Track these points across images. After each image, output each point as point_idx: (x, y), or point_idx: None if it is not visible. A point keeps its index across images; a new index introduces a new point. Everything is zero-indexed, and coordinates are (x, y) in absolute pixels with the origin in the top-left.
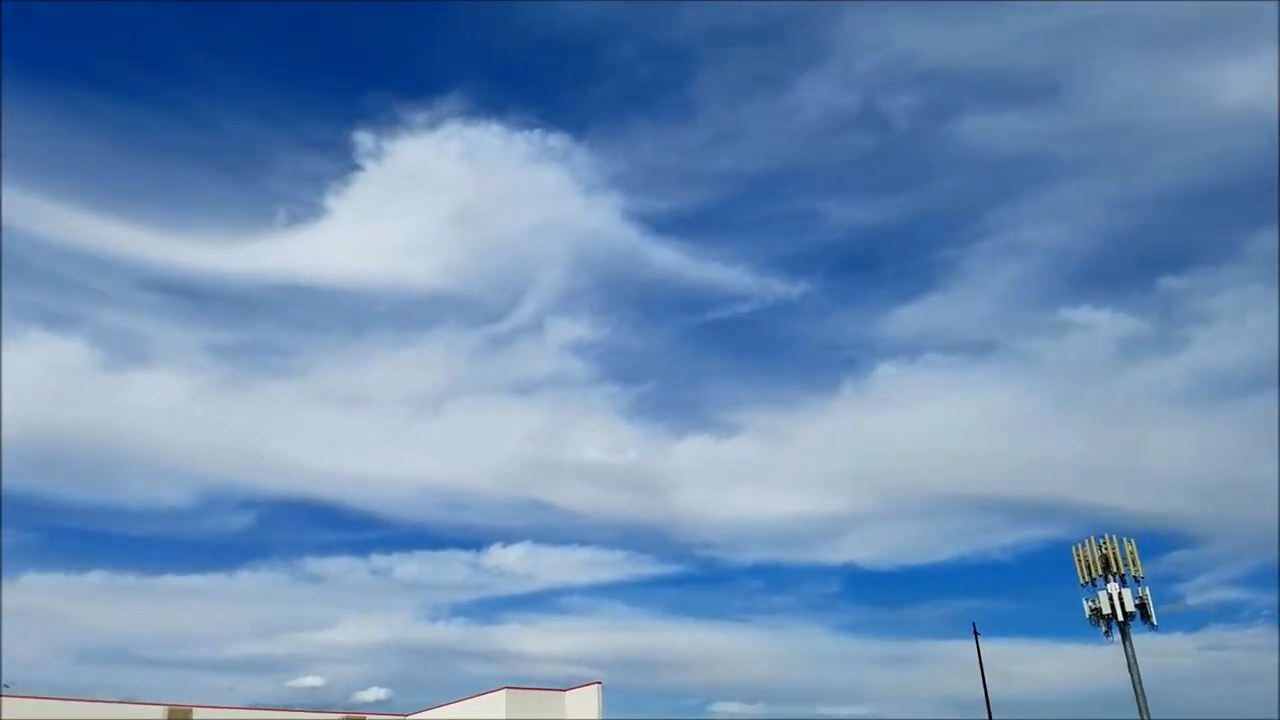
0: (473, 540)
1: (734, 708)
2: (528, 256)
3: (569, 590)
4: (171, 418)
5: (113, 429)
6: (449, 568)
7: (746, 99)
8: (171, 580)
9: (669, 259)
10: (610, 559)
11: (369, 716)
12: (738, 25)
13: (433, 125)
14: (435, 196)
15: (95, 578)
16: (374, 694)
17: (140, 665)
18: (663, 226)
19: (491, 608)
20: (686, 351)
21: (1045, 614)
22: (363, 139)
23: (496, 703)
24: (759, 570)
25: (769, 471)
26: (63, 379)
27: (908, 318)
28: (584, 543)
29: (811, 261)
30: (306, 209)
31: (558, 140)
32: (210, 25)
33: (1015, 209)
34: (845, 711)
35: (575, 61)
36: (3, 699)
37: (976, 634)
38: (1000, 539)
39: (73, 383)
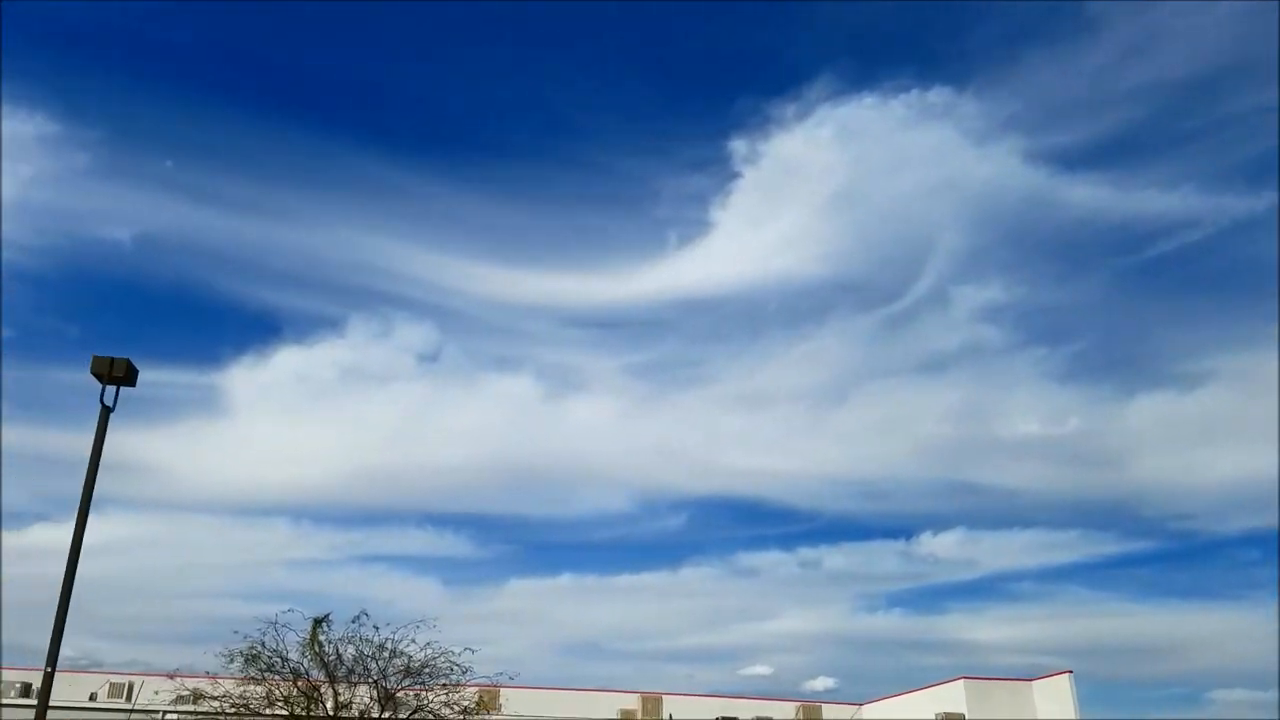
0: (900, 528)
1: (1239, 695)
2: (919, 225)
3: (1017, 575)
4: (606, 435)
5: (561, 450)
6: (879, 558)
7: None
8: (626, 579)
9: (1089, 196)
10: (1062, 540)
11: (824, 705)
12: None
13: (802, 115)
14: (813, 185)
15: (565, 580)
16: (822, 683)
17: (609, 657)
18: (1075, 161)
19: (931, 596)
20: (1125, 297)
21: None
22: (737, 147)
23: (955, 693)
24: (1253, 540)
25: (1252, 423)
26: (517, 413)
27: None
28: (1027, 524)
29: (1276, 166)
30: (694, 227)
31: (938, 95)
32: (587, 81)
33: None
34: None
35: (948, 8)
36: (503, 689)
37: None
38: None
39: (525, 415)
